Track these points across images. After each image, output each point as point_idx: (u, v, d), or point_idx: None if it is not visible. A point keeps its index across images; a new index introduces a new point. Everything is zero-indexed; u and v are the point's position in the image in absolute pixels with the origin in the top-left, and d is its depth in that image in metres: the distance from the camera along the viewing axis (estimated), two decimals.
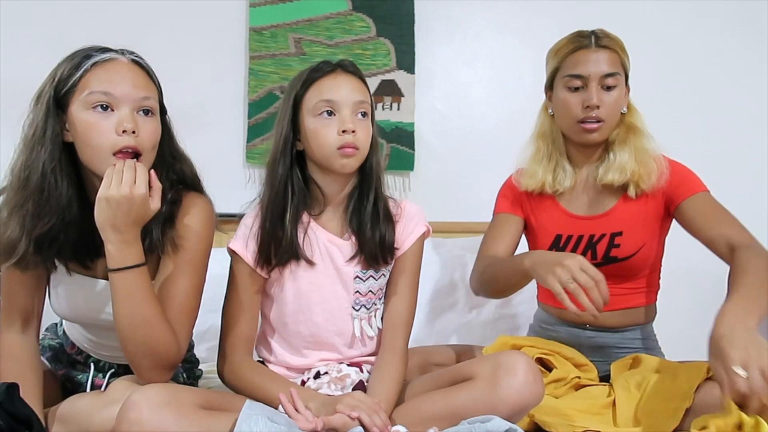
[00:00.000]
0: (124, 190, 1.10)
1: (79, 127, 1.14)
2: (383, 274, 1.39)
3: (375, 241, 1.33)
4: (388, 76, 2.44)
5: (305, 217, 1.34)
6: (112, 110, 1.14)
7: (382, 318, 1.41)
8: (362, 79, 1.34)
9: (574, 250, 1.54)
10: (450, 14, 2.49)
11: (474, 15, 2.51)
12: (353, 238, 1.35)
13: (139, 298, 1.14)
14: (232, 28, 2.42)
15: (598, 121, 1.48)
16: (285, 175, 1.31)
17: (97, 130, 1.13)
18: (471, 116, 2.49)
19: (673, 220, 1.54)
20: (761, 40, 2.54)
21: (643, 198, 1.52)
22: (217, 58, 2.41)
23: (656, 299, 1.63)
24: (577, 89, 1.49)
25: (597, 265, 1.46)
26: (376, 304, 1.40)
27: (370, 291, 1.38)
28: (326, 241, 1.35)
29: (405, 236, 1.38)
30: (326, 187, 1.34)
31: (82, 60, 1.15)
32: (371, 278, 1.37)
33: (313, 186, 1.34)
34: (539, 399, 1.18)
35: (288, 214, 1.30)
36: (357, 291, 1.37)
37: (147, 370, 1.17)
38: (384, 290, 1.41)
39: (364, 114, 1.30)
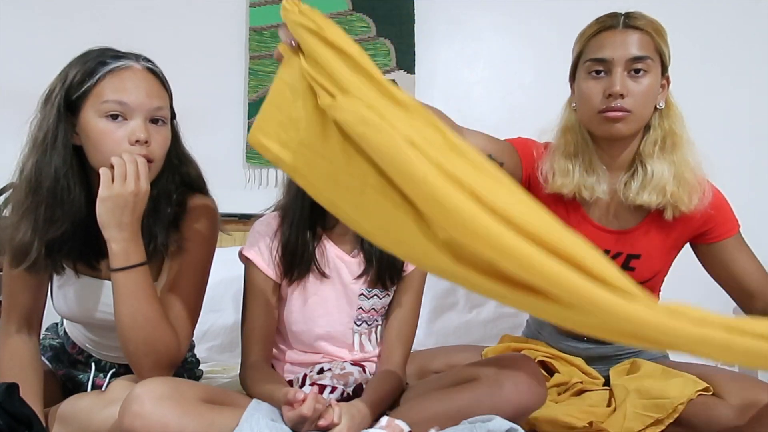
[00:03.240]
0: (129, 187, 1.10)
1: (92, 133, 1.14)
2: (388, 294, 1.40)
3: (386, 263, 1.35)
4: (388, 76, 2.42)
5: (318, 230, 1.35)
6: (125, 119, 1.14)
7: (382, 334, 1.42)
8: None
9: None
10: (450, 14, 2.49)
11: (474, 15, 2.50)
12: (361, 255, 1.36)
13: (141, 297, 1.14)
14: (232, 28, 2.42)
15: (624, 111, 1.27)
16: None
17: (110, 139, 1.13)
18: (471, 116, 2.45)
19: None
20: (761, 40, 2.54)
21: (675, 222, 1.33)
22: (217, 58, 2.41)
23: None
24: (599, 74, 1.30)
25: None
26: (377, 321, 1.42)
27: (373, 309, 1.39)
28: (335, 257, 1.36)
29: None
30: None
31: (96, 66, 1.15)
32: (375, 297, 1.38)
33: None
34: (542, 401, 1.18)
35: (308, 229, 1.32)
36: (360, 307, 1.38)
37: (147, 370, 1.16)
38: (386, 308, 1.42)
39: None
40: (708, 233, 1.37)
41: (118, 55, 1.17)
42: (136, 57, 1.19)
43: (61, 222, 1.15)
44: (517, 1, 2.52)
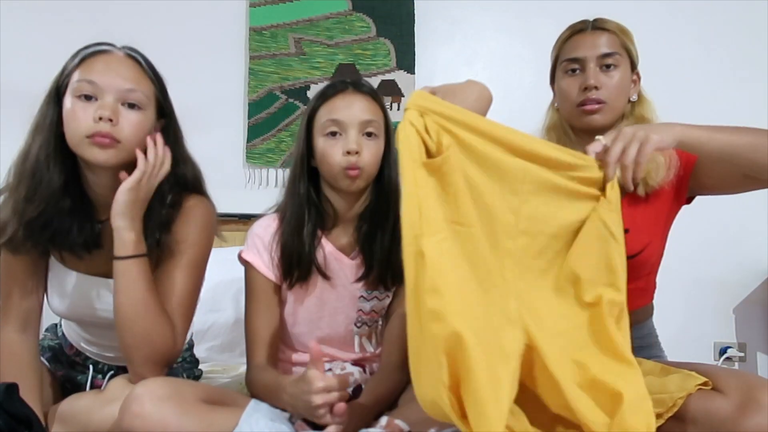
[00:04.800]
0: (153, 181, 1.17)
1: (65, 114, 1.16)
2: (387, 296, 1.40)
3: (387, 267, 1.34)
4: (388, 76, 2.44)
5: (318, 232, 1.34)
6: (96, 99, 1.15)
7: (382, 334, 1.42)
8: (375, 98, 1.33)
9: None
10: (450, 14, 2.49)
11: (474, 15, 2.51)
12: (360, 257, 1.36)
13: (144, 286, 1.15)
14: (232, 28, 2.42)
15: (599, 103, 1.40)
16: (304, 192, 1.32)
17: (76, 116, 1.14)
18: None
19: (676, 216, 1.49)
20: (761, 40, 2.54)
21: (648, 196, 1.44)
22: (217, 58, 2.41)
23: (653, 298, 1.62)
24: (575, 72, 1.44)
25: None
26: (378, 322, 1.42)
27: (373, 310, 1.39)
28: (334, 259, 1.35)
29: None
30: (337, 204, 1.34)
31: (77, 54, 1.18)
32: (375, 299, 1.38)
33: (325, 202, 1.35)
34: None
35: (306, 231, 1.31)
36: (360, 309, 1.38)
37: (140, 364, 1.16)
38: (386, 309, 1.42)
39: (370, 134, 1.29)
40: (683, 179, 1.42)
41: (103, 44, 1.20)
42: (122, 47, 1.21)
43: (38, 202, 1.16)
44: (517, 0, 2.52)
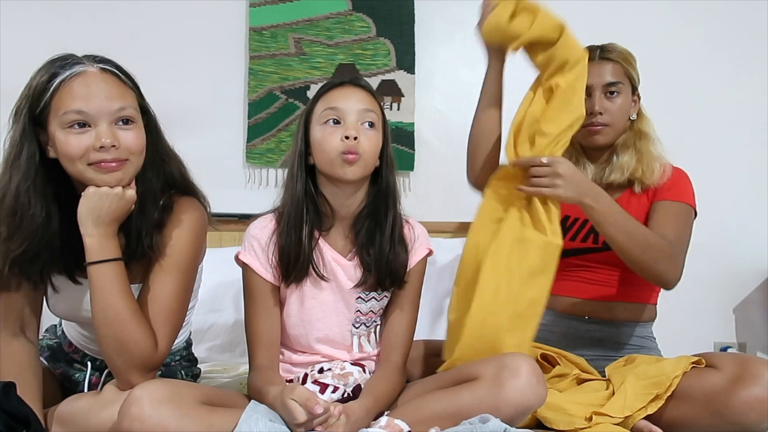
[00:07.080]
0: (117, 188, 1.13)
1: (59, 146, 1.13)
2: (385, 296, 1.39)
3: (387, 269, 1.34)
4: (388, 76, 2.44)
5: (315, 233, 1.34)
6: (89, 126, 1.13)
7: (380, 334, 1.42)
8: (371, 93, 1.34)
9: (578, 232, 1.61)
10: (450, 14, 2.49)
11: (474, 15, 2.47)
12: (357, 258, 1.35)
13: (112, 291, 1.15)
14: (232, 28, 2.42)
15: (603, 125, 1.58)
16: (302, 190, 1.32)
17: (75, 148, 1.12)
18: (471, 116, 2.47)
19: None
20: (761, 40, 2.54)
21: (647, 193, 1.60)
22: (217, 58, 2.41)
23: (656, 301, 1.64)
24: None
25: (598, 251, 1.58)
26: (376, 322, 1.41)
27: (371, 311, 1.38)
28: (331, 260, 1.35)
29: (409, 256, 1.38)
30: (334, 200, 1.34)
31: (50, 78, 1.13)
32: (373, 299, 1.38)
33: (322, 201, 1.34)
34: (542, 401, 1.18)
35: (305, 230, 1.31)
36: (358, 310, 1.37)
37: (124, 372, 1.16)
38: (384, 309, 1.42)
39: (371, 124, 1.30)
40: (658, 192, 1.59)
41: (73, 62, 1.15)
42: (92, 59, 1.17)
43: (21, 240, 1.15)
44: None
